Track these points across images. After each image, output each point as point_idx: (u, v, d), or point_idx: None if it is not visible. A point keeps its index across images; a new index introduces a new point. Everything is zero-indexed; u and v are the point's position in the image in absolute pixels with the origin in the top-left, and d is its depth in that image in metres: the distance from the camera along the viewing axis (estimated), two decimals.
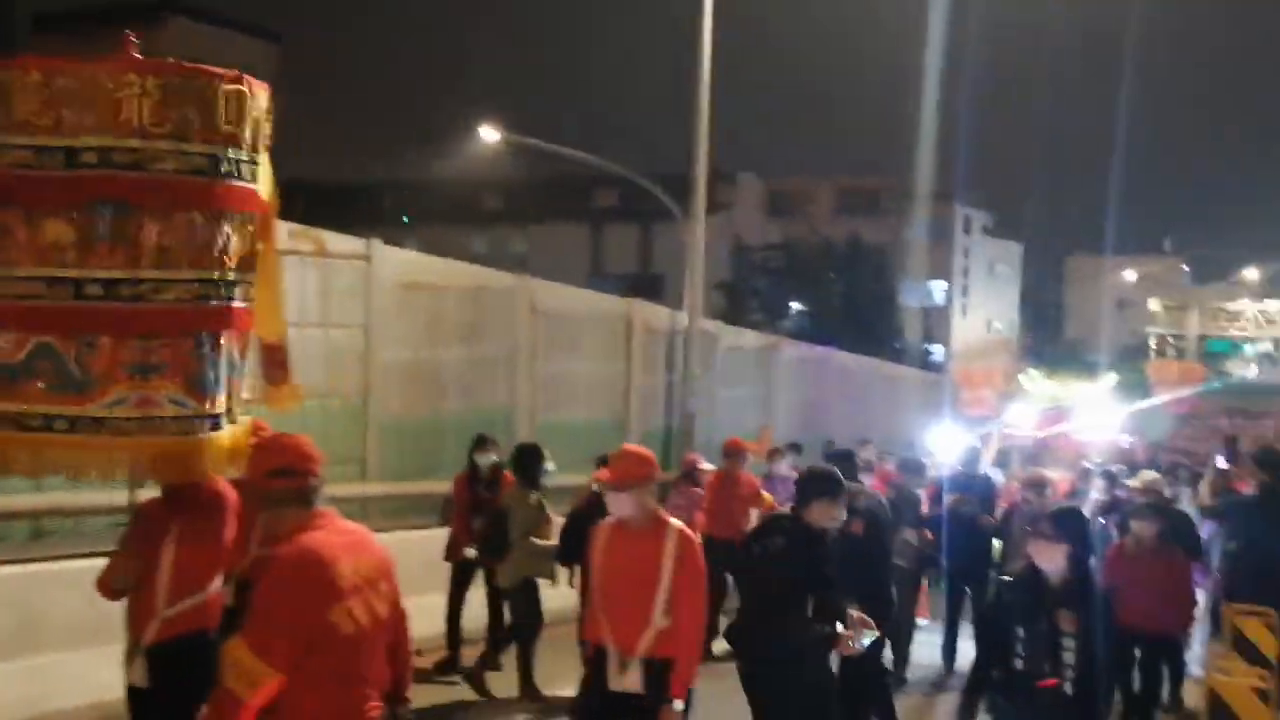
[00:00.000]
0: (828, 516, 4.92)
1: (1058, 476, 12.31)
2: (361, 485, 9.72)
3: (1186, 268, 75.25)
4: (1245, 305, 43.20)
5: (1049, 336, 70.69)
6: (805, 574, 4.79)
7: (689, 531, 4.44)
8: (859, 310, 44.25)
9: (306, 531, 3.03)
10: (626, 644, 4.30)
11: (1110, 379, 18.40)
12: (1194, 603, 7.36)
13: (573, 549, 6.52)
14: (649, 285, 44.04)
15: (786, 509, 10.25)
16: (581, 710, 4.60)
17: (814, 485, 5.00)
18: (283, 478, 3.10)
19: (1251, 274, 44.96)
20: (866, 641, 4.94)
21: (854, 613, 4.93)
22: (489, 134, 18.36)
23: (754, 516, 9.41)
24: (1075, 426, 15.55)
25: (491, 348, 11.79)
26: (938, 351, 52.41)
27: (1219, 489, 10.17)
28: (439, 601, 7.98)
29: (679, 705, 4.25)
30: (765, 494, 9.73)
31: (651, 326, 14.64)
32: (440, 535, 8.24)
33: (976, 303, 62.90)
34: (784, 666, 4.76)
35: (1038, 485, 8.65)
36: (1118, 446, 16.71)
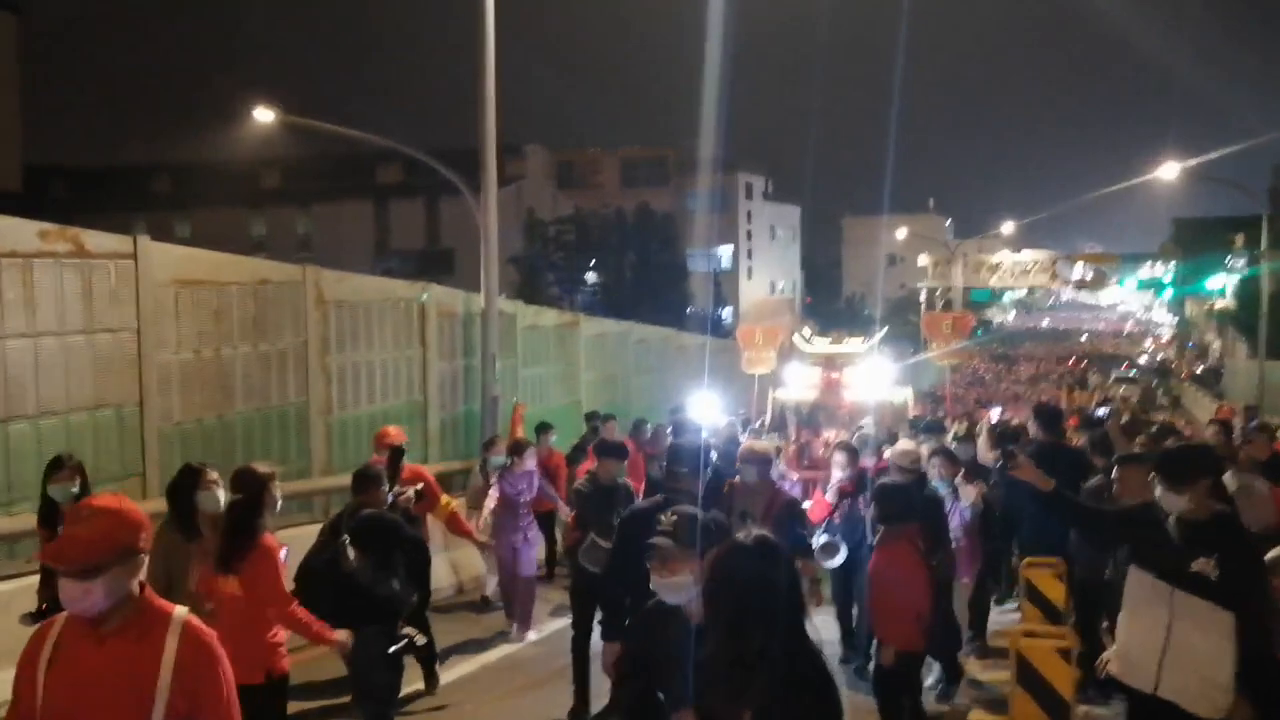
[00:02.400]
0: None
1: (834, 437, 12.47)
2: (141, 503, 9.05)
3: (949, 223, 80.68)
4: (1003, 257, 46.46)
5: (828, 294, 74.21)
6: None
7: (204, 630, 2.96)
8: (651, 279, 44.99)
9: None
10: None
11: (882, 332, 18.84)
12: (929, 617, 5.70)
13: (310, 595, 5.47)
14: (438, 260, 43.16)
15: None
16: None
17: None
18: None
19: (1008, 227, 48.76)
20: None
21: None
22: (263, 114, 17.37)
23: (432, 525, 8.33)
24: (849, 384, 15.65)
25: (279, 343, 11.23)
26: (727, 314, 53.94)
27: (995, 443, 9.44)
28: None
29: None
30: (445, 498, 8.38)
31: (446, 309, 14.32)
32: None
33: (760, 265, 65.16)
34: None
35: (754, 461, 6.46)
36: (892, 403, 16.38)
